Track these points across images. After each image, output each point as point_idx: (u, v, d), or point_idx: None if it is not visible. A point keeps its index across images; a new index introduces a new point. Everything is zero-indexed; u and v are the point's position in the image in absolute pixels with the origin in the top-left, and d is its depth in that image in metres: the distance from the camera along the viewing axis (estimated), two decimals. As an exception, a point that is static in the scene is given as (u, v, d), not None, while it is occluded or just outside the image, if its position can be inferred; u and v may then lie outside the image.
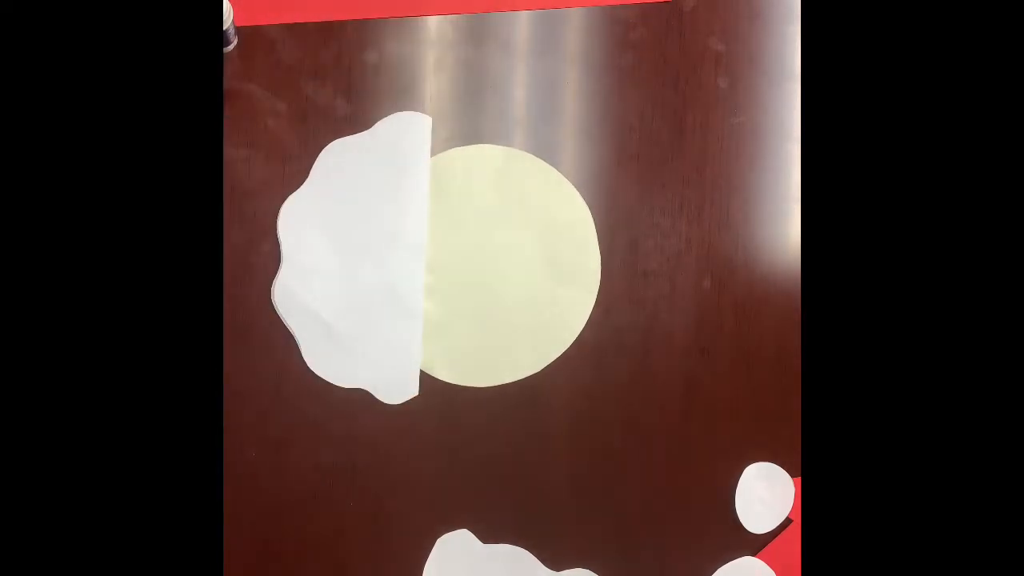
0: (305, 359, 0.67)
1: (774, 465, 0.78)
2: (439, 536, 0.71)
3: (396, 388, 0.68)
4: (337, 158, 0.66)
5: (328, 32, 0.66)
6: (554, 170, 0.72)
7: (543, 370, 0.73)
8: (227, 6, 0.59)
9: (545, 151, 0.71)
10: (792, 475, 0.78)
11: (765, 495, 0.78)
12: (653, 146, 0.73)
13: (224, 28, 0.60)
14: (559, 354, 0.73)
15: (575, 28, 0.71)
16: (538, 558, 0.73)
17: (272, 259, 0.66)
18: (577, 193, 0.73)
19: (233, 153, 0.65)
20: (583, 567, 0.74)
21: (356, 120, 0.67)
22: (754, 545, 0.79)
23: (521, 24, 0.70)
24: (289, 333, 0.66)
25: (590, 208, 0.73)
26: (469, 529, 0.72)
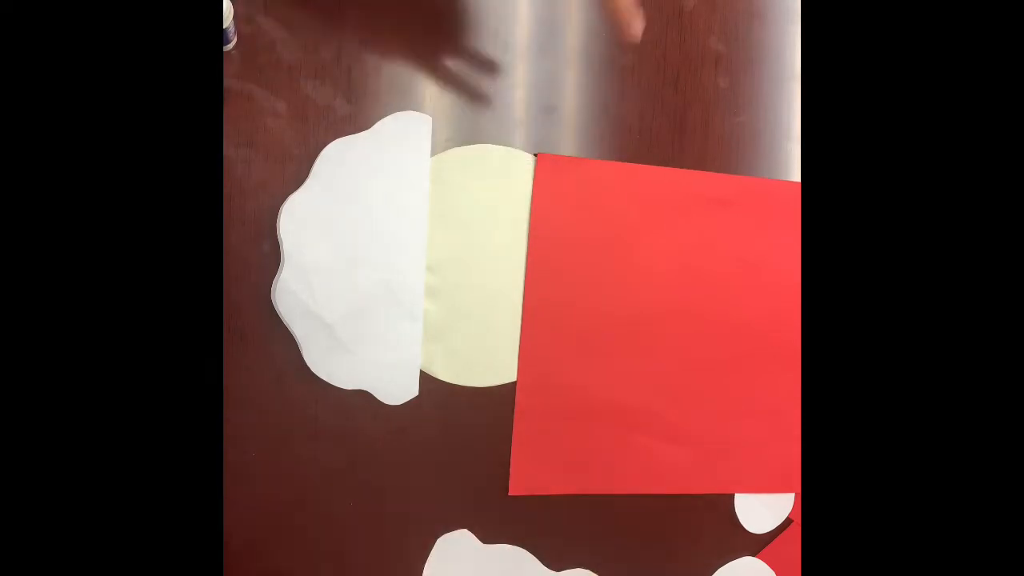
0: (305, 360, 0.66)
1: (774, 465, 0.78)
2: (439, 536, 0.71)
3: (397, 389, 0.68)
4: (337, 158, 0.66)
5: (328, 32, 0.66)
6: (554, 170, 0.72)
7: (543, 370, 0.73)
8: (227, 4, 0.59)
9: (545, 151, 0.71)
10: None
11: (765, 495, 0.78)
12: (653, 146, 0.73)
13: (224, 27, 0.60)
14: (559, 354, 0.73)
15: (575, 28, 0.71)
16: (538, 558, 0.73)
17: (272, 259, 0.66)
18: (577, 193, 0.72)
19: (233, 153, 0.65)
20: (583, 567, 0.74)
21: (356, 120, 0.67)
22: (754, 545, 0.79)
23: (521, 24, 0.70)
24: (289, 334, 0.66)
25: (590, 208, 0.73)
26: (469, 529, 0.72)
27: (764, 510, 0.78)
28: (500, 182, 0.70)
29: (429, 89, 0.68)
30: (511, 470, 0.71)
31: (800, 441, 0.76)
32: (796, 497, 0.79)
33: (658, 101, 0.73)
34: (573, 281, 0.71)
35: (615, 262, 0.72)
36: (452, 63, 0.66)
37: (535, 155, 0.70)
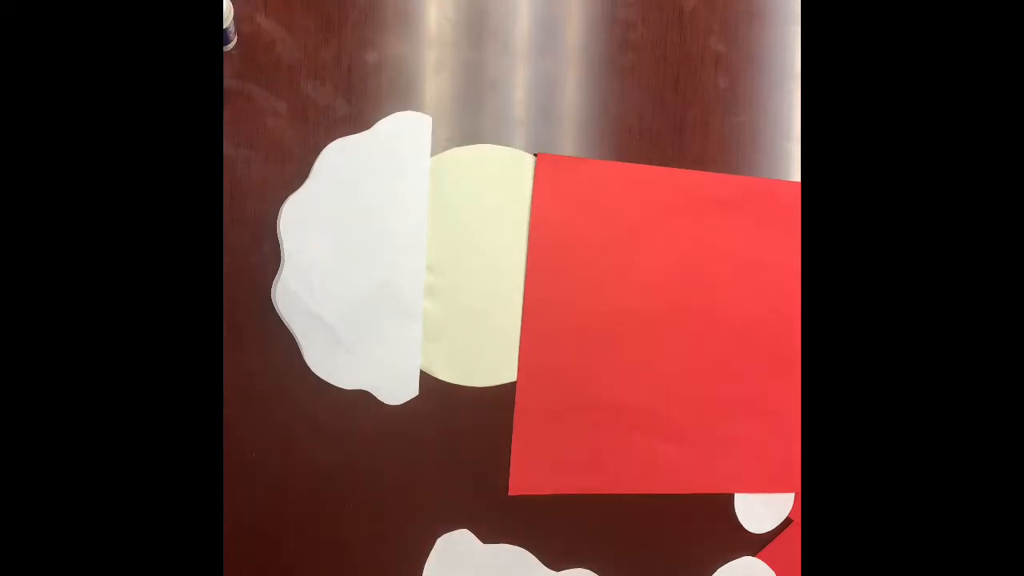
0: (305, 360, 0.66)
1: (774, 465, 0.78)
2: (439, 536, 0.71)
3: (397, 389, 0.68)
4: (337, 158, 0.66)
5: (328, 32, 0.66)
6: (554, 170, 0.72)
7: (543, 370, 0.73)
8: (227, 5, 0.59)
9: (545, 151, 0.71)
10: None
11: (765, 495, 0.78)
12: (653, 146, 0.73)
13: (224, 27, 0.60)
14: (559, 354, 0.73)
15: (575, 28, 0.71)
16: (538, 558, 0.73)
17: (272, 259, 0.66)
18: (577, 193, 0.72)
19: (233, 153, 0.65)
20: (583, 567, 0.74)
21: (356, 120, 0.67)
22: (754, 545, 0.79)
23: (521, 24, 0.70)
24: (289, 333, 0.66)
25: (590, 208, 0.73)
26: (469, 529, 0.72)
27: (764, 510, 0.78)
28: (500, 182, 0.70)
29: (429, 89, 0.68)
30: (511, 470, 0.71)
31: (800, 441, 0.76)
32: (796, 497, 0.79)
33: (658, 101, 0.73)
34: (573, 281, 0.71)
35: (615, 262, 0.72)
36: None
37: (535, 155, 0.70)
